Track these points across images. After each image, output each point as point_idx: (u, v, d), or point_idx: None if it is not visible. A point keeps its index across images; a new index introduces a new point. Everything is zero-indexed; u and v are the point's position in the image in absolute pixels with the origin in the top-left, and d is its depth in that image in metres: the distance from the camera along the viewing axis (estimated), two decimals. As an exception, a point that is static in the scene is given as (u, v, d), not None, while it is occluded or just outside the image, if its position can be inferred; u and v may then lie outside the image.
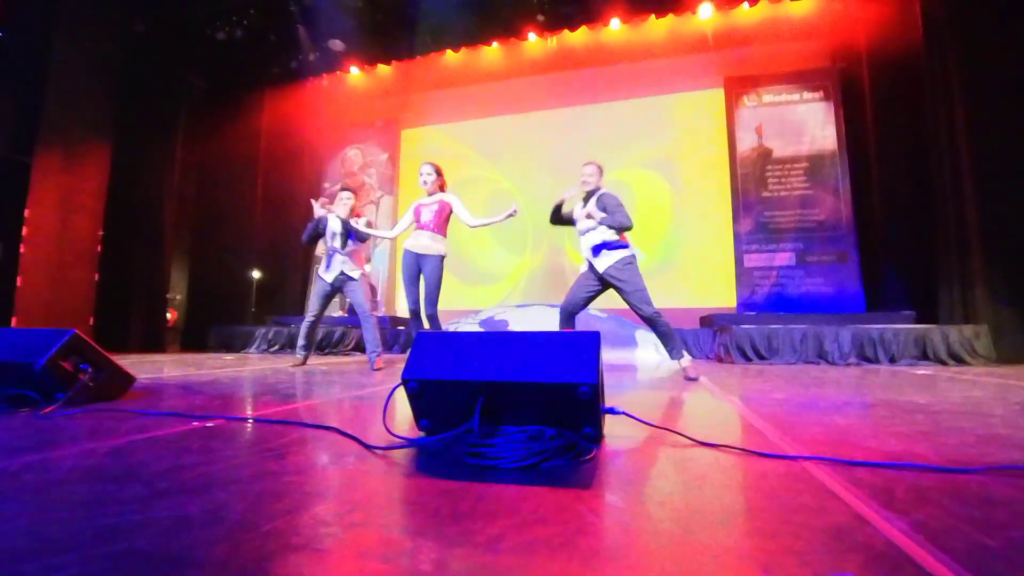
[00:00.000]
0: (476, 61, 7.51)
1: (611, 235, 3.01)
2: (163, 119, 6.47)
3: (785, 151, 6.46)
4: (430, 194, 3.63)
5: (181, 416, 1.58)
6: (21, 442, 1.22)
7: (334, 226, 3.76)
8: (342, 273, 3.75)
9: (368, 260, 7.31)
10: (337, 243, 3.75)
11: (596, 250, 3.01)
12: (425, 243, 3.54)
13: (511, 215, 3.34)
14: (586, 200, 3.13)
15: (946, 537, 0.68)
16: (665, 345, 2.95)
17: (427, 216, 3.57)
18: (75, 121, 5.59)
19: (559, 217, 3.27)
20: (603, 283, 3.05)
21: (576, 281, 3.13)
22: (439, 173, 3.65)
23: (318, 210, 3.82)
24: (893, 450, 1.16)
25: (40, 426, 1.41)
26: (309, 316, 3.83)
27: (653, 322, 2.90)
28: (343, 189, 3.85)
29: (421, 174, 3.62)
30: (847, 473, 0.98)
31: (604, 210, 3.00)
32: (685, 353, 2.95)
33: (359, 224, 3.71)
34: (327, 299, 3.84)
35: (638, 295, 2.90)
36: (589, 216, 3.02)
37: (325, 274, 3.78)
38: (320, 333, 5.72)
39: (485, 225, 3.50)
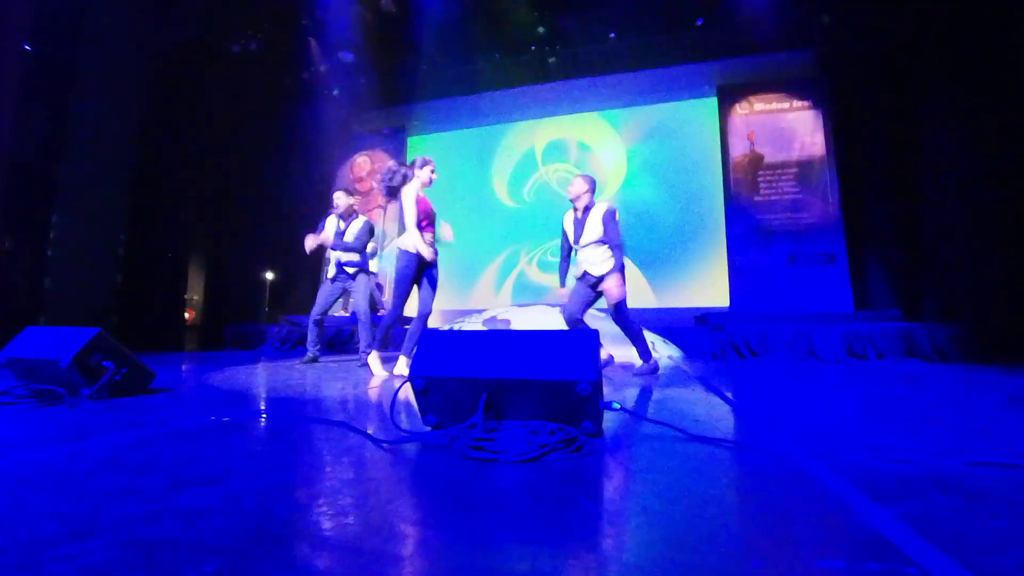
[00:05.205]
0: (479, 71, 7.68)
1: (605, 247, 3.10)
2: (182, 128, 6.62)
3: (776, 157, 6.53)
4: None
5: (199, 411, 1.65)
6: (49, 434, 1.28)
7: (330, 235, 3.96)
8: (339, 267, 3.95)
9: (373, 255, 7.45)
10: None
11: (595, 261, 3.08)
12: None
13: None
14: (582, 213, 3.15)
15: (930, 526, 0.69)
16: (636, 345, 3.08)
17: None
18: (99, 129, 5.74)
19: (566, 263, 3.30)
20: (595, 290, 3.16)
21: (574, 291, 3.22)
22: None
23: (311, 244, 3.95)
24: (880, 443, 1.18)
25: (67, 419, 1.47)
26: (314, 314, 4.00)
27: (628, 323, 3.06)
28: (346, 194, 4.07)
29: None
30: (835, 465, 1.00)
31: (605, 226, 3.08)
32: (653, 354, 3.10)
33: (368, 252, 3.98)
34: (330, 299, 4.03)
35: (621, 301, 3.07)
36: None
37: (328, 274, 4.06)
38: (330, 332, 5.82)
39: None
